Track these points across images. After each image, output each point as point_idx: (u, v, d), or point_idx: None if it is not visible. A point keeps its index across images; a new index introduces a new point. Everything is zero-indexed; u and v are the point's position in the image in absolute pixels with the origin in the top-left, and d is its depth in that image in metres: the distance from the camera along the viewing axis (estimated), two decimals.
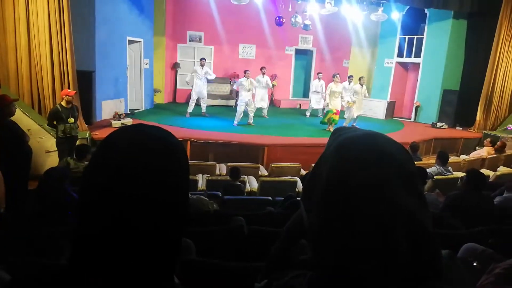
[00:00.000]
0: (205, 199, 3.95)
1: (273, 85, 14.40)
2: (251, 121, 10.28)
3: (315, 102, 12.62)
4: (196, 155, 8.20)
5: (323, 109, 12.51)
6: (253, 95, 10.96)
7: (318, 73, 12.84)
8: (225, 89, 14.35)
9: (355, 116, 10.69)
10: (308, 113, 13.04)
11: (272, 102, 14.75)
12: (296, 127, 10.67)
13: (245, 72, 10.55)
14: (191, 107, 11.10)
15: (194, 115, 11.18)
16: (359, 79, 10.80)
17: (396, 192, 0.73)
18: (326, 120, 10.33)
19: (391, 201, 0.71)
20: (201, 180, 6.21)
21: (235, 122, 10.16)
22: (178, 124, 9.91)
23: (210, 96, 13.18)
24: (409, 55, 13.91)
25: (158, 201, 0.75)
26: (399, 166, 0.76)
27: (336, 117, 10.10)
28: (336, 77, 10.35)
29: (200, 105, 11.31)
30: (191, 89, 11.24)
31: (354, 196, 0.73)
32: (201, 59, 11.14)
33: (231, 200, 4.73)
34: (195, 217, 3.41)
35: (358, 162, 0.77)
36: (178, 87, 14.10)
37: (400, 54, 14.10)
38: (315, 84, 12.73)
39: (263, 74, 11.50)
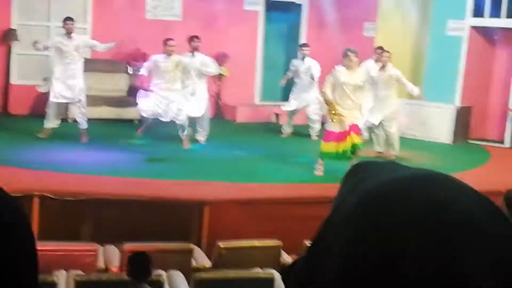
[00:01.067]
0: None
1: (220, 76, 14.13)
2: (186, 142, 10.76)
3: (295, 100, 12.92)
4: (55, 228, 7.93)
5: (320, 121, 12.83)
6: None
7: (301, 46, 13.08)
8: (117, 84, 14.11)
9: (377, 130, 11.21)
10: (286, 130, 13.20)
11: (219, 111, 14.66)
12: (269, 164, 10.59)
13: (165, 42, 10.78)
14: (50, 121, 11.02)
15: (58, 137, 10.94)
16: (378, 51, 11.31)
17: None
18: (331, 151, 9.89)
19: None
20: (63, 282, 6.05)
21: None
22: (16, 159, 9.59)
23: (91, 100, 12.56)
24: (495, 14, 14.04)
25: None
26: (487, 245, 0.78)
27: (358, 140, 9.90)
28: (350, 55, 10.03)
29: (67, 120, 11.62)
30: (49, 85, 11.30)
31: None
32: (65, 20, 11.00)
33: None
34: None
35: (402, 236, 0.78)
36: (14, 81, 13.59)
37: (478, 12, 14.26)
38: (296, 64, 12.98)
39: (194, 50, 11.51)
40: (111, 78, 13.88)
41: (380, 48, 11.33)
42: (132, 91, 13.40)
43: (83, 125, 10.87)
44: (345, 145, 9.49)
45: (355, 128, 9.62)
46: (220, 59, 13.94)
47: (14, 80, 13.42)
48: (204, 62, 11.28)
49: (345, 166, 8.99)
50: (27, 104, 13.31)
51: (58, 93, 10.75)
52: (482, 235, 0.79)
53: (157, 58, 10.65)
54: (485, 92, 14.36)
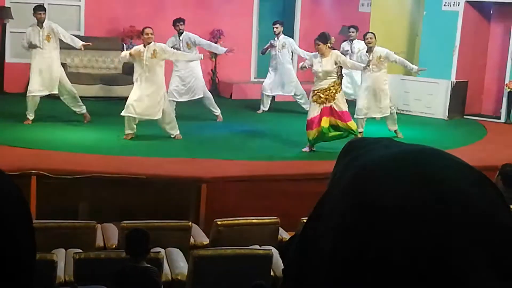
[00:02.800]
0: None
1: (216, 53, 13.95)
2: (173, 131, 10.16)
3: (272, 82, 12.88)
4: (52, 206, 7.97)
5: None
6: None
7: (274, 23, 12.91)
8: (112, 62, 14.01)
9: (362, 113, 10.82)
10: (263, 108, 13.12)
11: (215, 88, 14.57)
12: (266, 141, 10.63)
13: (142, 32, 10.10)
14: (31, 109, 10.80)
15: (54, 115, 10.89)
16: (365, 37, 10.98)
17: (472, 274, 0.76)
18: (315, 136, 9.72)
19: None
20: (63, 260, 6.08)
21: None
22: (12, 139, 9.58)
23: (80, 78, 12.84)
24: None
25: None
26: (477, 219, 0.79)
27: (344, 124, 9.66)
28: (316, 42, 9.75)
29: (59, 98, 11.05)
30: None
31: (388, 277, 0.77)
32: (35, 9, 10.79)
33: None
34: None
35: (393, 211, 0.79)
36: (8, 59, 13.54)
37: None
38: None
39: (179, 32, 11.56)
40: (105, 56, 13.84)
41: (370, 34, 11.12)
42: (127, 69, 13.29)
43: (78, 106, 10.67)
44: (340, 125, 9.50)
45: (343, 114, 9.57)
46: (215, 36, 13.96)
47: (8, 58, 13.34)
48: (193, 39, 11.25)
49: (341, 142, 9.03)
50: (22, 82, 13.20)
51: (37, 71, 10.54)
52: (473, 211, 0.79)
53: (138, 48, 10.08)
54: (481, 67, 14.36)
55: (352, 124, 9.48)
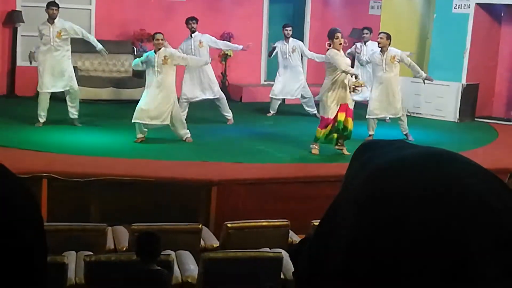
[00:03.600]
0: None
1: (226, 55, 14.22)
2: (183, 134, 10.08)
3: (282, 86, 12.83)
4: (63, 208, 7.96)
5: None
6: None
7: (287, 26, 12.90)
8: (123, 65, 13.96)
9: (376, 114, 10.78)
10: (272, 111, 13.09)
11: (225, 92, 14.08)
12: (276, 143, 10.48)
13: (152, 38, 10.07)
14: (43, 108, 10.72)
15: (57, 123, 10.79)
16: (380, 37, 10.86)
17: (487, 276, 0.76)
18: (325, 135, 9.71)
19: None
20: (73, 262, 6.08)
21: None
22: (23, 142, 9.53)
23: (91, 81, 12.83)
24: None
25: None
26: (491, 218, 0.79)
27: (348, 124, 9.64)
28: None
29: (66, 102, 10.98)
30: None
31: (404, 280, 0.77)
32: (49, 4, 10.74)
33: None
34: None
35: (408, 214, 0.78)
36: (19, 63, 13.49)
37: None
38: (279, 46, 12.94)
39: (192, 31, 11.52)
40: (116, 59, 13.77)
41: (385, 34, 10.97)
42: (137, 72, 13.22)
43: (75, 111, 10.59)
44: (345, 126, 9.50)
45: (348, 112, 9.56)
46: (225, 39, 13.83)
47: (20, 62, 13.33)
48: (207, 40, 11.21)
49: (353, 144, 8.98)
50: (34, 86, 13.18)
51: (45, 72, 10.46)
52: (488, 211, 0.78)
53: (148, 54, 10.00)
54: (492, 69, 14.25)
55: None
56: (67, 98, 10.58)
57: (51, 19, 10.38)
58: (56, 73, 10.46)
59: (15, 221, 0.92)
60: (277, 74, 12.86)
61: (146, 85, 9.88)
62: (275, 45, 12.69)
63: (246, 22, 14.80)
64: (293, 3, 15.82)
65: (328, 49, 9.32)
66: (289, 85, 12.74)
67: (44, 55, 10.45)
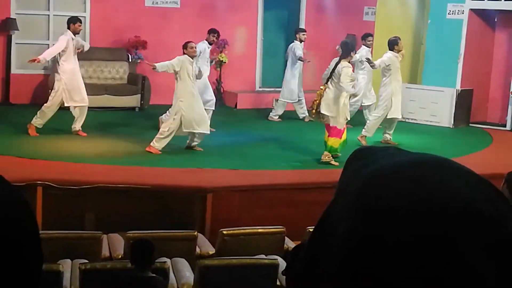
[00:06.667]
0: None
1: (221, 62, 14.10)
2: (194, 143, 10.00)
3: (297, 87, 12.87)
4: (58, 217, 7.92)
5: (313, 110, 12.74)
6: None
7: (304, 31, 13.03)
8: (117, 72, 13.93)
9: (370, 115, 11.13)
10: (274, 115, 13.15)
11: (220, 98, 14.31)
12: (271, 150, 10.51)
13: (185, 47, 9.75)
14: (45, 114, 10.60)
15: (60, 126, 10.69)
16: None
17: (479, 277, 0.76)
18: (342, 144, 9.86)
19: None
20: (69, 270, 6.03)
21: (157, 145, 9.69)
22: (17, 150, 9.49)
23: (86, 88, 12.21)
24: None
25: None
26: (483, 225, 0.79)
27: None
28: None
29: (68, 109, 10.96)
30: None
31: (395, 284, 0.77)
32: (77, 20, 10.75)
33: None
34: None
35: (401, 220, 0.79)
36: (14, 71, 13.46)
37: None
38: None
39: (210, 43, 11.65)
40: (111, 66, 13.79)
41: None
42: (132, 79, 13.32)
43: (79, 118, 10.57)
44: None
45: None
46: (220, 46, 13.86)
47: (14, 69, 13.30)
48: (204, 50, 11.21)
49: (347, 151, 8.95)
50: (28, 93, 13.22)
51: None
52: (480, 218, 0.78)
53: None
54: (486, 75, 14.26)
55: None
56: (78, 112, 10.54)
57: (75, 34, 10.40)
58: (75, 87, 10.48)
59: (10, 229, 0.91)
60: (290, 77, 12.86)
61: (181, 94, 9.71)
62: (304, 49, 12.82)
63: (240, 29, 14.78)
64: (287, 10, 15.80)
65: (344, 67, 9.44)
66: (299, 88, 12.86)
67: (65, 68, 10.41)
